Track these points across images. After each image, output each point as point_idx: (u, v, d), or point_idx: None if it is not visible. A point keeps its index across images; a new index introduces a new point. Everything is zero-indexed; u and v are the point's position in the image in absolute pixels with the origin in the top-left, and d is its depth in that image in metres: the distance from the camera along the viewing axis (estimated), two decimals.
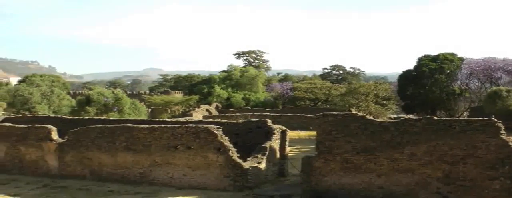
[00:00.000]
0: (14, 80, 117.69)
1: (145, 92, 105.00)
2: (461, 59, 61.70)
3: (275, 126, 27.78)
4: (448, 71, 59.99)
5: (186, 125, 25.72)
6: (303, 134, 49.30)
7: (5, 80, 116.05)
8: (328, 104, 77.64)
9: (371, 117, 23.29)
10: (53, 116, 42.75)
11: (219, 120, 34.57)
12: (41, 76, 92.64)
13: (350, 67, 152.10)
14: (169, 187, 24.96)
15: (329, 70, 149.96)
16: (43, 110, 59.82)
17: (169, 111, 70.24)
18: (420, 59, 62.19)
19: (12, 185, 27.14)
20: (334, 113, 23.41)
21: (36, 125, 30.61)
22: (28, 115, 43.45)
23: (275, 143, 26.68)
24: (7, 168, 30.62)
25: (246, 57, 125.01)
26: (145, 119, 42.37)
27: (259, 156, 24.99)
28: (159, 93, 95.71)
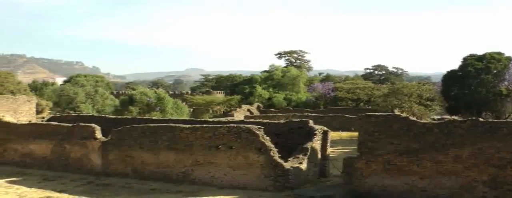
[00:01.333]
0: (59, 80, 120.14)
1: (187, 93, 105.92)
2: (509, 59, 59.95)
3: (316, 126, 27.61)
4: (495, 71, 58.46)
5: (228, 125, 25.77)
6: (344, 134, 49.04)
7: (51, 80, 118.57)
8: (370, 104, 76.97)
9: (414, 118, 22.91)
10: (97, 115, 43.45)
11: (261, 120, 34.50)
12: (85, 76, 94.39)
13: (393, 67, 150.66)
14: (210, 186, 25.03)
15: (371, 71, 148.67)
16: (87, 109, 61.00)
17: (210, 111, 70.65)
18: (465, 59, 60.81)
19: (58, 181, 27.74)
20: (376, 113, 23.17)
21: (81, 124, 31.19)
22: (73, 114, 44.29)
23: (316, 143, 26.52)
24: (53, 165, 31.29)
25: (288, 57, 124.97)
26: (187, 118, 42.63)
27: (300, 156, 24.87)
28: (201, 94, 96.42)
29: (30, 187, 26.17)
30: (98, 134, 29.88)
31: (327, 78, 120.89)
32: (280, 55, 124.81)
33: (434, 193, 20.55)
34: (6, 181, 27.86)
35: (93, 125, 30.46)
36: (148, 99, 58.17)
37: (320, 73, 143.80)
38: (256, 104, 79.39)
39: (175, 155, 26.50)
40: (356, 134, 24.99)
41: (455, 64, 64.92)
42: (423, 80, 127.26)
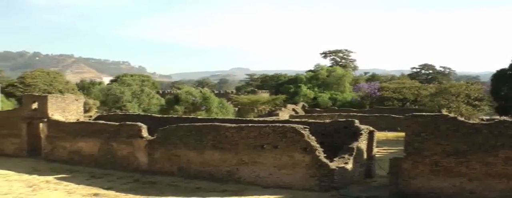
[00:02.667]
0: (106, 80, 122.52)
1: (232, 92, 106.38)
2: None
3: (362, 126, 27.37)
4: None
5: (273, 124, 25.78)
6: (390, 134, 48.50)
7: (98, 80, 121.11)
8: (417, 104, 75.86)
9: (462, 118, 22.47)
10: (143, 114, 44.08)
11: (306, 119, 34.40)
12: (131, 76, 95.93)
13: (440, 67, 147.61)
14: (255, 186, 25.07)
15: (418, 70, 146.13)
16: (133, 108, 62.03)
17: (255, 110, 70.75)
18: None
19: (105, 179, 28.30)
20: (423, 113, 22.80)
21: (127, 123, 31.69)
22: (119, 113, 45.06)
23: (362, 143, 26.29)
24: (101, 162, 31.91)
25: (333, 56, 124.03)
26: (232, 118, 42.77)
27: (346, 156, 24.68)
28: (246, 93, 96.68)
29: (78, 184, 26.82)
30: (144, 133, 30.29)
31: (372, 77, 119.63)
32: (325, 54, 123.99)
33: (483, 196, 20.08)
34: (55, 178, 28.65)
35: (139, 123, 30.89)
36: (194, 98, 58.63)
37: (365, 73, 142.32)
38: (301, 104, 79.15)
39: (220, 154, 26.65)
40: (402, 134, 24.70)
41: (505, 63, 63.34)
42: (472, 80, 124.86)
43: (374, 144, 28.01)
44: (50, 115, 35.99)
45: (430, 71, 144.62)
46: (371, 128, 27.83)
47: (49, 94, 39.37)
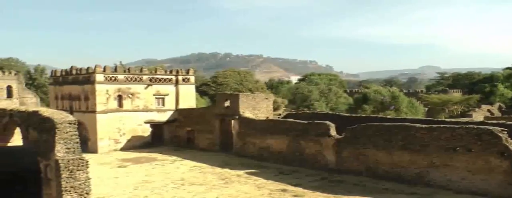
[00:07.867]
0: (294, 79, 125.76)
1: (421, 91, 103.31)
2: None
3: None
4: None
5: (467, 126, 24.45)
6: None
7: (286, 79, 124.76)
8: None
9: None
10: (331, 112, 44.34)
11: (503, 121, 32.25)
12: (319, 75, 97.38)
13: None
14: (446, 190, 24.01)
15: None
16: (321, 107, 62.74)
17: (447, 111, 68.04)
18: None
19: (293, 176, 29.03)
20: None
21: (316, 121, 32.11)
22: (307, 111, 45.88)
23: None
24: (288, 159, 32.72)
25: None
26: (422, 118, 41.40)
27: None
28: (436, 92, 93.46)
29: (267, 179, 27.81)
30: (333, 131, 30.44)
31: None
32: None
33: None
34: (246, 172, 30.03)
35: (327, 122, 31.12)
36: (382, 97, 57.85)
37: None
38: (497, 104, 74.74)
39: (409, 155, 25.90)
40: None
41: None
42: None
43: None
44: (241, 113, 37.63)
45: None
46: None
47: (240, 93, 41.31)
